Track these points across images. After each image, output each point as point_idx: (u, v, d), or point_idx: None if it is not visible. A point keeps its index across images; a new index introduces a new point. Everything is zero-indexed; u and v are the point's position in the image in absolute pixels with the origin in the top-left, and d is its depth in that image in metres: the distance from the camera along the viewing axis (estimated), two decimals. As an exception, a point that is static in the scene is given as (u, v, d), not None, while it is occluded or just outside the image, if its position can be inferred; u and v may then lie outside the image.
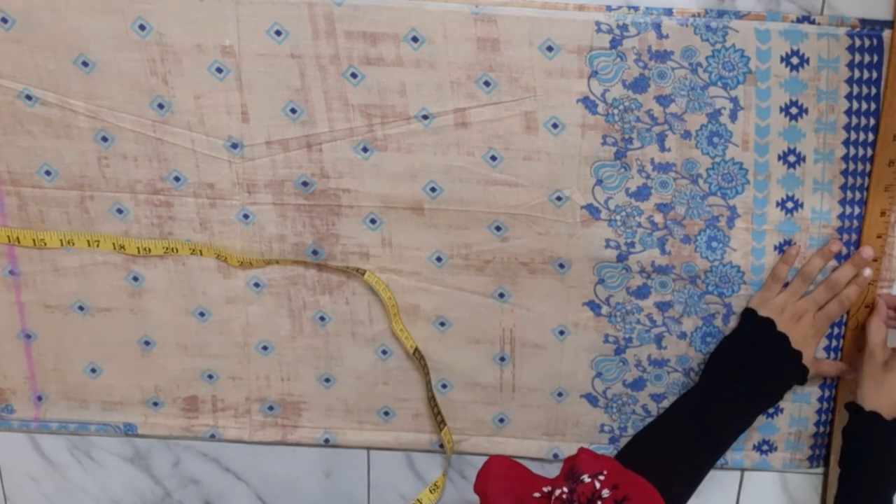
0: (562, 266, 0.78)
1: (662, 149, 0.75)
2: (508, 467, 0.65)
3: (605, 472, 0.61)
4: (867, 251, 0.76)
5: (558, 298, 0.80)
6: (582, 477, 0.61)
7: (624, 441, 0.83)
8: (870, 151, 0.74)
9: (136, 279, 0.80)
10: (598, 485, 0.60)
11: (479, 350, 0.82)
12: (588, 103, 0.73)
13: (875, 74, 0.72)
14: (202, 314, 0.81)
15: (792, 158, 0.75)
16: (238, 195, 0.77)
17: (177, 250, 0.79)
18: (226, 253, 0.79)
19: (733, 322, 0.80)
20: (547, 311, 0.80)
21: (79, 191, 0.77)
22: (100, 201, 0.77)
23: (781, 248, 0.77)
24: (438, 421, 0.83)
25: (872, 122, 0.73)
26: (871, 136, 0.74)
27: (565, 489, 0.61)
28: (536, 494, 0.62)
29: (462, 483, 0.88)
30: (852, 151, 0.74)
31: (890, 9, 0.71)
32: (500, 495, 0.62)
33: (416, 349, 0.81)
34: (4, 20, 0.71)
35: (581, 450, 0.64)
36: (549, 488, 0.62)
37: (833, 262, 0.77)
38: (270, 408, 0.85)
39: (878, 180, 0.75)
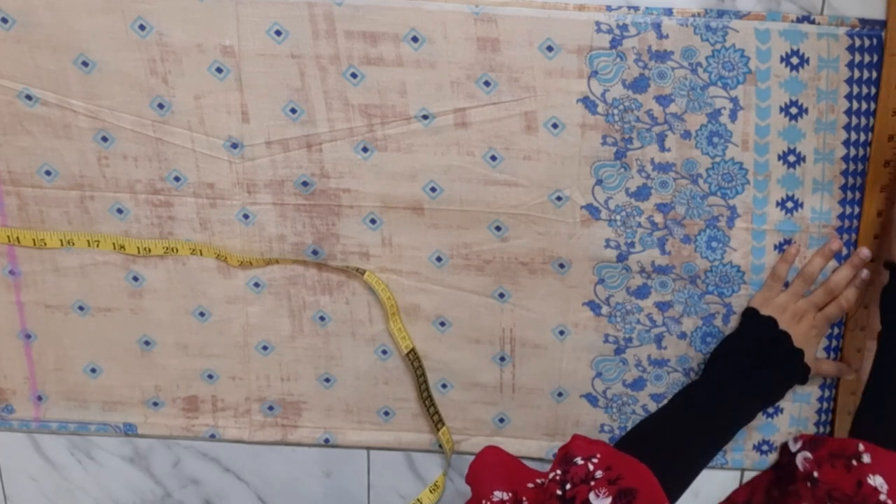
0: (562, 266, 0.78)
1: (662, 149, 0.75)
2: (502, 457, 0.66)
3: (598, 455, 0.61)
4: (865, 252, 0.76)
5: (558, 298, 0.80)
6: (575, 459, 0.61)
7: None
8: (870, 151, 0.74)
9: (136, 279, 0.80)
10: (591, 467, 0.60)
11: (479, 350, 0.82)
12: (588, 103, 0.73)
13: (875, 74, 0.72)
14: (202, 314, 0.81)
15: (792, 158, 0.75)
16: (238, 195, 0.77)
17: (177, 250, 0.79)
18: (226, 253, 0.79)
19: (733, 322, 0.80)
20: (547, 311, 0.80)
21: (79, 191, 0.77)
22: (100, 201, 0.77)
23: (781, 248, 0.77)
24: (435, 421, 0.83)
25: (872, 122, 0.73)
26: (871, 137, 0.74)
27: (558, 471, 0.61)
28: (530, 485, 0.62)
29: (462, 483, 0.88)
30: (852, 151, 0.74)
31: (890, 9, 0.71)
32: (494, 483, 0.63)
33: (412, 350, 0.81)
34: (4, 20, 0.71)
35: (575, 436, 0.64)
36: (543, 480, 0.62)
37: (833, 263, 0.77)
38: (270, 408, 0.85)
39: (874, 181, 0.75)
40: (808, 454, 0.67)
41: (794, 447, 0.70)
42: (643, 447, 0.65)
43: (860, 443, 0.64)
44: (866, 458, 0.63)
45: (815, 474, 0.66)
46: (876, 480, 0.62)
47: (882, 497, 0.61)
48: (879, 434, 0.65)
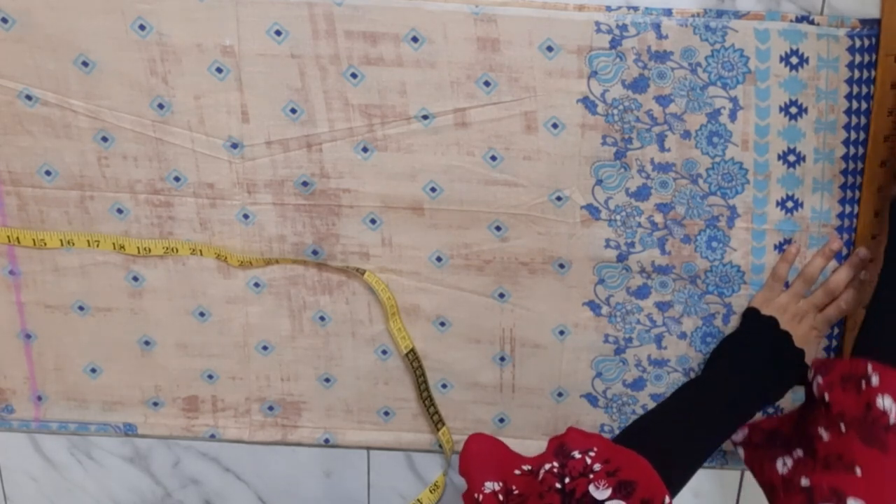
0: (562, 266, 0.79)
1: (662, 149, 0.75)
2: (485, 443, 0.66)
3: (595, 449, 0.61)
4: (863, 252, 0.76)
5: (558, 298, 0.80)
6: (572, 453, 0.61)
7: (624, 441, 0.83)
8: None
9: (136, 279, 0.80)
10: (589, 460, 0.60)
11: (479, 350, 0.82)
12: (588, 103, 0.73)
13: (874, 74, 0.72)
14: (202, 314, 0.81)
15: (792, 158, 0.75)
16: (238, 195, 0.77)
17: (177, 250, 0.79)
18: (226, 253, 0.79)
19: (733, 322, 0.80)
20: (547, 311, 0.80)
21: (79, 191, 0.77)
22: (100, 201, 0.77)
23: (781, 248, 0.77)
24: (435, 421, 0.83)
25: (872, 121, 0.73)
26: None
27: (556, 464, 0.61)
28: (517, 472, 0.62)
29: (462, 483, 0.87)
30: (852, 151, 0.74)
31: (889, 9, 0.71)
32: (483, 473, 0.63)
33: (411, 350, 0.81)
34: (4, 20, 0.71)
35: (570, 428, 0.64)
36: (530, 467, 0.62)
37: (834, 263, 0.77)
38: (270, 408, 0.85)
39: (870, 181, 0.74)
40: (820, 378, 0.66)
41: (810, 374, 0.69)
42: (641, 442, 0.65)
43: (869, 363, 0.62)
44: (874, 379, 0.61)
45: (827, 397, 0.64)
46: (885, 402, 0.60)
47: (891, 420, 0.60)
48: (885, 352, 0.63)
